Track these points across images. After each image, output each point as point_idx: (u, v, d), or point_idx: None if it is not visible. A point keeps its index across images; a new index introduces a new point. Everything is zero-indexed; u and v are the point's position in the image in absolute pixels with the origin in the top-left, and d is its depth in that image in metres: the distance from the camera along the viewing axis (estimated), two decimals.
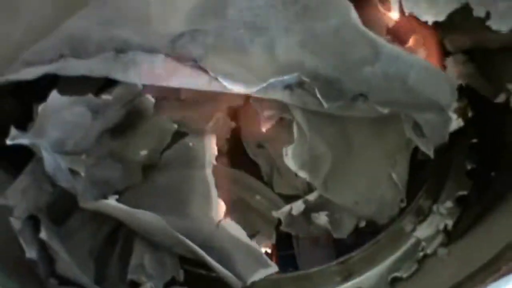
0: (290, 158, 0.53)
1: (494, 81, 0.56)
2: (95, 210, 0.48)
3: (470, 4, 0.51)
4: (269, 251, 0.57)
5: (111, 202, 0.48)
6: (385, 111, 0.48)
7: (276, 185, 0.59)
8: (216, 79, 0.48)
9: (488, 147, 0.57)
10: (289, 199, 0.57)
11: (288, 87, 0.49)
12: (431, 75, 0.49)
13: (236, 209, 0.57)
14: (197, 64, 0.49)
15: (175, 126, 0.54)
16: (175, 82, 0.49)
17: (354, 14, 0.51)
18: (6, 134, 0.47)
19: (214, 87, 0.48)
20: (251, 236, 0.56)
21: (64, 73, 0.51)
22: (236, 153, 0.60)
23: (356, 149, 0.54)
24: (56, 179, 0.47)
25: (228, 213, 0.52)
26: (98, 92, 0.52)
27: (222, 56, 0.50)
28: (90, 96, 0.51)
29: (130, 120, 0.53)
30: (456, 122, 0.51)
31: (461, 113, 0.57)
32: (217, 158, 0.55)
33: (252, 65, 0.50)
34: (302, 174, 0.54)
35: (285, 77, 0.48)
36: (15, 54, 0.58)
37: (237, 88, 0.48)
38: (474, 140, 0.57)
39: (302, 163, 0.54)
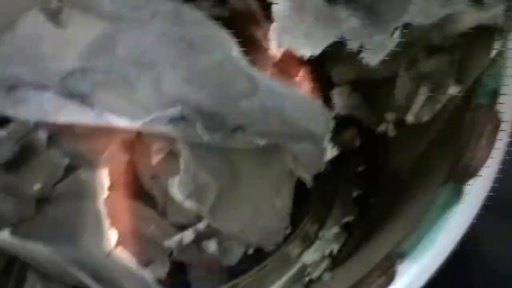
0: (175, 189, 0.55)
1: (377, 112, 0.59)
2: None
3: (346, 37, 0.53)
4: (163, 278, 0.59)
5: (4, 236, 0.49)
6: (262, 142, 0.50)
7: (170, 215, 0.61)
8: (102, 114, 0.50)
9: (373, 174, 0.61)
10: (182, 228, 0.59)
11: (172, 120, 0.51)
12: (306, 106, 0.52)
13: (131, 240, 0.59)
14: (83, 100, 0.51)
15: (67, 160, 0.56)
16: (63, 118, 0.51)
17: (236, 49, 0.54)
18: None
19: (100, 122, 0.51)
20: (146, 264, 0.59)
21: None
22: (132, 185, 0.62)
23: (241, 178, 0.57)
24: None
25: (124, 243, 0.55)
26: None
27: (110, 92, 0.53)
28: None
29: (24, 155, 0.55)
30: (331, 151, 0.53)
31: (349, 142, 0.61)
32: (112, 191, 0.57)
33: (138, 101, 0.52)
34: (188, 204, 0.56)
35: (168, 111, 0.50)
36: None
37: (122, 123, 0.50)
38: (361, 168, 0.61)
39: (188, 194, 0.56)
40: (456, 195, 0.45)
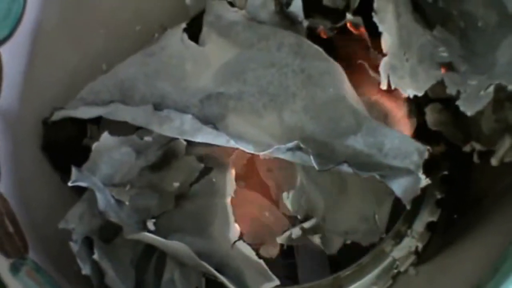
0: (289, 202, 0.66)
1: (464, 132, 0.65)
2: (137, 239, 0.62)
3: (445, 82, 0.59)
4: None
5: (149, 234, 0.60)
6: (364, 175, 0.58)
7: (281, 206, 0.71)
8: (231, 139, 0.59)
9: (457, 182, 0.69)
10: (290, 217, 0.70)
11: (290, 149, 0.59)
12: (402, 142, 0.59)
13: (248, 223, 0.70)
14: (217, 125, 0.60)
15: (202, 165, 0.65)
16: (199, 138, 0.60)
17: (346, 85, 0.61)
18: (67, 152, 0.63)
19: (229, 145, 0.59)
20: (259, 246, 0.70)
21: (112, 117, 0.63)
22: (252, 177, 0.72)
23: (350, 190, 0.66)
24: (107, 215, 0.60)
25: (242, 226, 0.65)
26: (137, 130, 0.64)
27: (239, 118, 0.62)
28: (134, 137, 0.63)
29: (166, 158, 0.65)
30: (425, 181, 0.58)
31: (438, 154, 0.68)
32: (236, 181, 0.67)
33: (263, 127, 0.61)
34: (298, 215, 0.67)
35: (288, 144, 0.58)
36: (71, 79, 0.70)
37: (248, 149, 0.59)
38: (445, 172, 0.68)
39: (298, 208, 0.67)
40: None
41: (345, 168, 0.58)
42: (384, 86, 0.61)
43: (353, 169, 0.58)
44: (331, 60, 0.63)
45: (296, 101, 0.62)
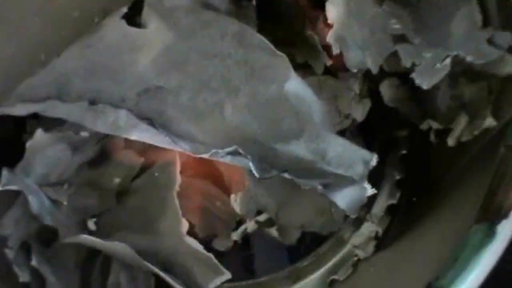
0: (238, 205, 0.62)
1: (421, 109, 0.61)
2: (75, 243, 0.58)
3: (399, 53, 0.55)
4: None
5: (86, 236, 0.57)
6: (306, 185, 0.54)
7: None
8: (169, 138, 0.55)
9: (416, 162, 0.65)
10: None
11: (230, 153, 0.54)
12: (346, 150, 0.55)
13: (198, 215, 0.66)
14: (153, 122, 0.56)
15: (142, 159, 0.62)
16: (134, 135, 0.56)
17: (292, 80, 0.57)
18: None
19: (167, 145, 0.55)
20: (211, 238, 0.67)
21: (48, 114, 0.59)
22: (202, 165, 0.68)
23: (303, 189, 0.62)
24: (42, 219, 0.57)
25: (191, 218, 0.62)
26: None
27: (179, 114, 0.57)
28: (70, 133, 0.59)
29: (104, 153, 0.62)
30: (370, 191, 0.54)
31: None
32: (184, 170, 0.63)
33: (204, 125, 0.57)
34: (248, 218, 0.63)
35: (226, 149, 0.53)
36: (7, 72, 0.66)
37: (186, 150, 0.55)
38: (404, 152, 0.65)
39: (247, 211, 0.63)
40: (489, 235, 0.49)
41: (286, 176, 0.54)
42: (329, 63, 0.59)
43: (294, 177, 0.54)
44: (276, 51, 0.58)
45: (239, 96, 0.57)
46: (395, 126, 0.67)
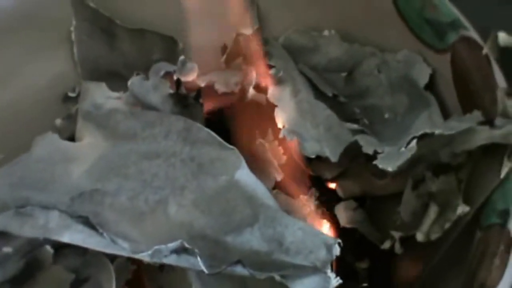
0: None
1: (381, 228, 0.59)
2: None
3: (359, 142, 0.54)
4: None
5: None
6: (262, 277, 0.48)
7: None
8: (105, 239, 0.49)
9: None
10: None
11: (174, 252, 0.49)
12: (306, 235, 0.50)
13: None
14: (88, 222, 0.51)
15: (73, 276, 0.55)
16: (66, 238, 0.50)
17: (241, 171, 0.54)
18: None
19: (103, 248, 0.50)
20: None
21: None
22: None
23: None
24: None
25: None
26: None
27: (117, 215, 0.53)
28: None
29: (29, 270, 0.55)
30: (335, 281, 0.48)
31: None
32: None
33: (145, 226, 0.52)
34: None
35: (169, 245, 0.48)
36: None
37: (123, 253, 0.49)
38: (365, 285, 0.60)
39: None
40: None
41: (239, 269, 0.48)
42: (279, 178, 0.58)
43: (249, 270, 0.48)
44: (225, 144, 0.55)
45: (184, 194, 0.53)
46: (353, 259, 0.61)
